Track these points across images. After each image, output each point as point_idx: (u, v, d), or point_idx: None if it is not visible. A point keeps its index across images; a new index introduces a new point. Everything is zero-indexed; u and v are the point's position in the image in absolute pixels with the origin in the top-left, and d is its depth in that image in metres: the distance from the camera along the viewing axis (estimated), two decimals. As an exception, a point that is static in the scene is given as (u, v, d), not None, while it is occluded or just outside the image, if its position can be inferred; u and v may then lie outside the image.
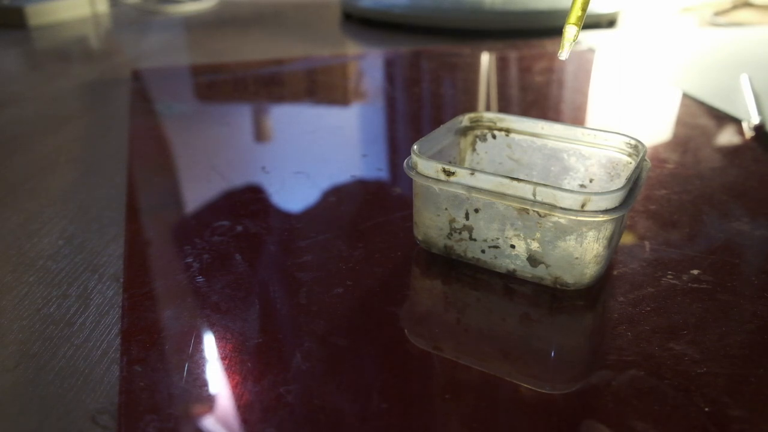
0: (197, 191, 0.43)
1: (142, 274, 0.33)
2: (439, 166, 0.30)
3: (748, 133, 0.53)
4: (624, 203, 0.28)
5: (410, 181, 0.32)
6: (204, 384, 0.25)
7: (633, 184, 0.29)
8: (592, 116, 0.58)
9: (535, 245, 0.30)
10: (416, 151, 0.31)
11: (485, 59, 0.81)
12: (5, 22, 1.07)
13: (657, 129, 0.55)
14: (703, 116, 0.58)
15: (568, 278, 0.30)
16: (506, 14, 0.98)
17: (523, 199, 0.28)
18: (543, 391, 0.25)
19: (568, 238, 0.29)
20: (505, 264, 0.31)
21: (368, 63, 0.80)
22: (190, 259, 0.34)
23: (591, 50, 0.85)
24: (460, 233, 0.32)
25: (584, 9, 0.29)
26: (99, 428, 0.24)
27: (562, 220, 0.28)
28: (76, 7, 1.17)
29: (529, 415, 0.24)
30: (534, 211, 0.29)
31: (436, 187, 0.31)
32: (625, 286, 0.31)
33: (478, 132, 0.38)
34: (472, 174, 0.29)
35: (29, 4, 1.07)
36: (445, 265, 0.33)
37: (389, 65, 0.79)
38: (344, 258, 0.34)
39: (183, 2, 1.30)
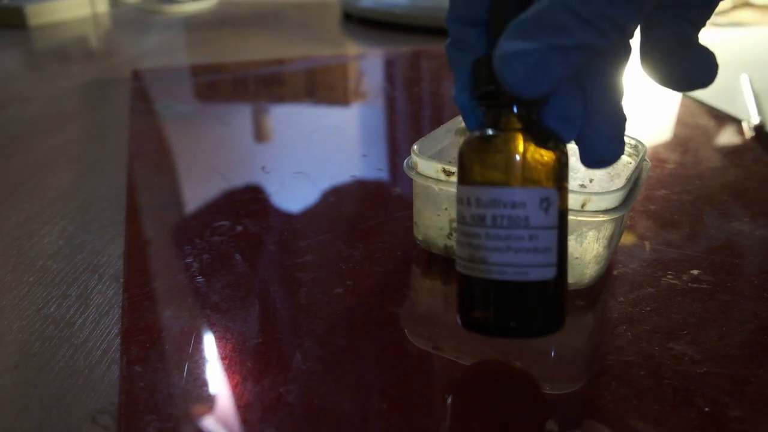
0: (197, 191, 0.43)
1: (142, 274, 0.33)
2: (439, 166, 0.30)
3: (748, 133, 0.53)
4: (624, 203, 0.28)
5: (410, 181, 0.32)
6: (204, 384, 0.25)
7: (633, 184, 0.29)
8: (592, 116, 0.58)
9: (535, 245, 0.30)
10: (416, 151, 0.31)
11: (485, 59, 0.81)
12: (5, 22, 1.07)
13: (657, 129, 0.55)
14: (703, 116, 0.58)
15: (568, 278, 0.30)
16: (506, 14, 0.98)
17: (523, 199, 0.28)
18: (543, 391, 0.25)
19: (568, 238, 0.29)
20: (505, 264, 0.31)
21: (368, 63, 0.80)
22: (190, 259, 0.34)
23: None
24: (460, 233, 0.32)
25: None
26: (99, 428, 0.24)
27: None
28: (76, 7, 1.17)
29: (530, 415, 0.24)
30: (534, 211, 0.29)
31: (436, 187, 0.31)
32: (625, 286, 0.31)
33: (478, 132, 0.38)
34: (472, 174, 0.29)
35: (29, 4, 1.07)
36: (445, 265, 0.33)
37: (389, 65, 0.79)
38: (344, 258, 0.34)
39: (183, 2, 1.31)
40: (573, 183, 0.36)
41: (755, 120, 0.53)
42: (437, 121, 0.57)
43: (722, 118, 0.57)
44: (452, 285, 0.31)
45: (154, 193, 0.43)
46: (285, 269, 0.33)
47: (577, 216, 0.27)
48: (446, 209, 0.31)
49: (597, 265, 0.29)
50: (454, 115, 0.36)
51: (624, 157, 0.34)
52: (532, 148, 0.21)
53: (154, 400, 0.24)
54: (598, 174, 0.35)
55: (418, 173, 0.31)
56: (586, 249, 0.29)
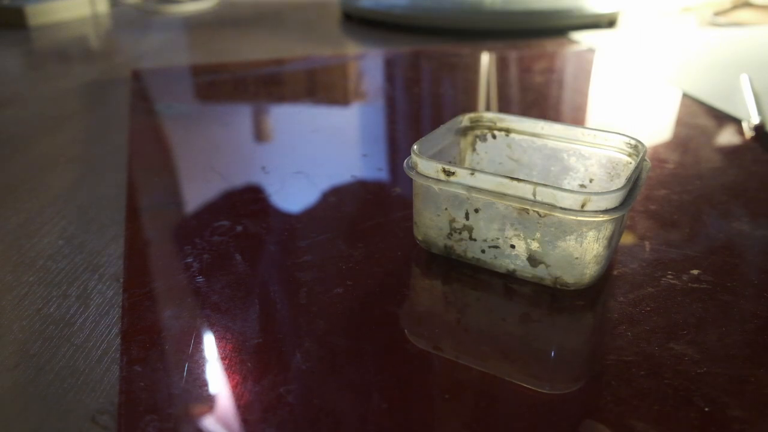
0: (197, 191, 0.43)
1: (142, 274, 0.33)
2: (439, 166, 0.30)
3: (748, 133, 0.53)
4: (624, 203, 0.28)
5: (410, 181, 0.32)
6: (204, 384, 0.25)
7: (633, 184, 0.29)
8: (592, 116, 0.58)
9: (535, 245, 0.30)
10: (416, 151, 0.31)
11: (485, 59, 0.81)
12: (5, 22, 1.07)
13: (657, 129, 0.55)
14: (703, 116, 0.58)
15: (568, 278, 0.30)
16: (506, 14, 0.98)
17: (523, 199, 0.28)
18: (543, 391, 0.25)
19: (568, 238, 0.29)
20: (505, 264, 0.31)
21: (368, 63, 0.80)
22: (190, 259, 0.34)
23: (591, 50, 0.85)
24: (460, 233, 0.32)
25: None
26: (99, 428, 0.24)
27: (562, 220, 0.28)
28: (76, 7, 1.17)
29: (529, 415, 0.24)
30: (534, 211, 0.29)
31: (436, 187, 0.31)
32: (625, 286, 0.31)
33: (478, 132, 0.38)
34: (472, 174, 0.29)
35: (29, 4, 1.07)
36: (445, 265, 0.33)
37: (389, 65, 0.79)
38: (344, 258, 0.34)
39: (183, 2, 1.30)
40: (573, 183, 0.36)
41: (755, 120, 0.53)
42: (437, 121, 0.57)
43: (722, 118, 0.57)
44: (452, 285, 0.31)
45: (154, 193, 0.43)
46: (285, 269, 0.33)
47: (577, 216, 0.27)
48: (446, 209, 0.31)
49: (597, 265, 0.29)
50: (454, 115, 0.36)
51: (624, 157, 0.34)
52: None
53: (154, 400, 0.24)
54: (598, 174, 0.35)
55: (418, 173, 0.31)
56: (586, 249, 0.29)
